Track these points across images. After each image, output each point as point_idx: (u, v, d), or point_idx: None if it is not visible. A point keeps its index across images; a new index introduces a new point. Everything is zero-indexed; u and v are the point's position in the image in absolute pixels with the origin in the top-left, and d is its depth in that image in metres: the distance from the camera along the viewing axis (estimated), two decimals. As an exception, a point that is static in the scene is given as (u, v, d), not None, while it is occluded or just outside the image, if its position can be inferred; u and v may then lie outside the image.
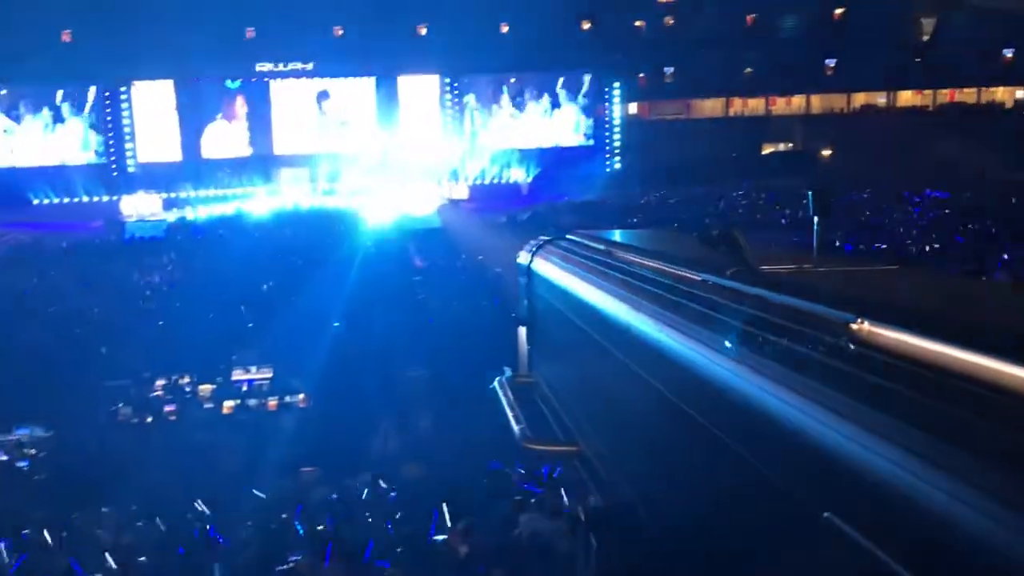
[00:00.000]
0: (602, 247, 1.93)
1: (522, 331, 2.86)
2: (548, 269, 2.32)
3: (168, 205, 47.14)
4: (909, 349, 0.66)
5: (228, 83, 52.95)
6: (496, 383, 2.91)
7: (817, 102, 60.77)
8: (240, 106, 54.08)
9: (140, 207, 45.30)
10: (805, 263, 1.53)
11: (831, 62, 60.46)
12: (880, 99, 60.54)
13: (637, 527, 1.35)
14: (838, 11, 61.98)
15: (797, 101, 60.87)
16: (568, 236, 2.49)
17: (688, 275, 1.36)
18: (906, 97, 60.51)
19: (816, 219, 1.87)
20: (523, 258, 2.67)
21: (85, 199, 49.19)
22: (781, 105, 61.02)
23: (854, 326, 0.79)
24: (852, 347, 0.77)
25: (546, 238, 2.69)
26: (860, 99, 60.25)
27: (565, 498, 11.16)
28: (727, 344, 1.01)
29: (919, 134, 52.15)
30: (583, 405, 2.02)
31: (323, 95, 55.09)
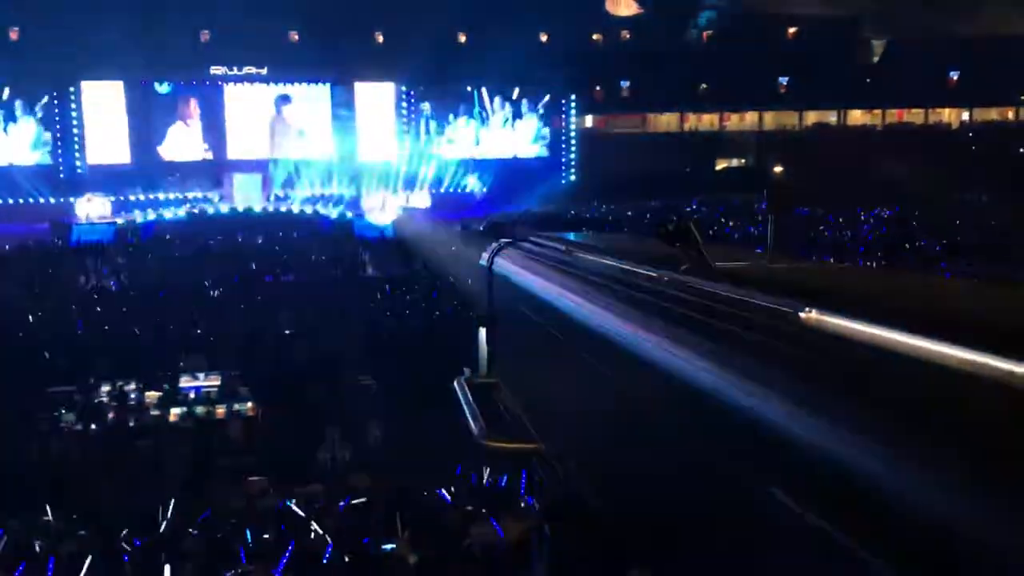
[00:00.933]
0: (562, 247, 1.92)
1: (482, 332, 2.85)
2: (509, 269, 2.31)
3: (117, 208, 46.29)
4: (850, 333, 0.66)
5: (157, 86, 52.03)
6: (455, 383, 2.89)
7: (770, 119, 61.72)
8: (193, 109, 53.36)
9: (91, 210, 44.36)
10: (759, 260, 1.54)
11: (784, 80, 61.46)
12: (831, 118, 61.69)
13: (592, 516, 1.35)
14: (791, 30, 63.10)
15: (750, 118, 61.77)
16: (530, 238, 2.48)
17: (646, 272, 1.36)
18: (856, 116, 61.72)
19: (772, 216, 1.87)
20: (484, 259, 2.66)
21: (31, 201, 48.15)
22: (735, 121, 61.90)
23: (802, 315, 0.79)
24: (799, 333, 0.77)
25: (507, 240, 2.66)
26: (812, 117, 61.32)
27: (526, 502, 11.14)
28: (681, 336, 1.02)
29: (868, 152, 53.20)
30: (543, 404, 2.02)
31: (278, 100, 54.60)
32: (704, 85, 60.56)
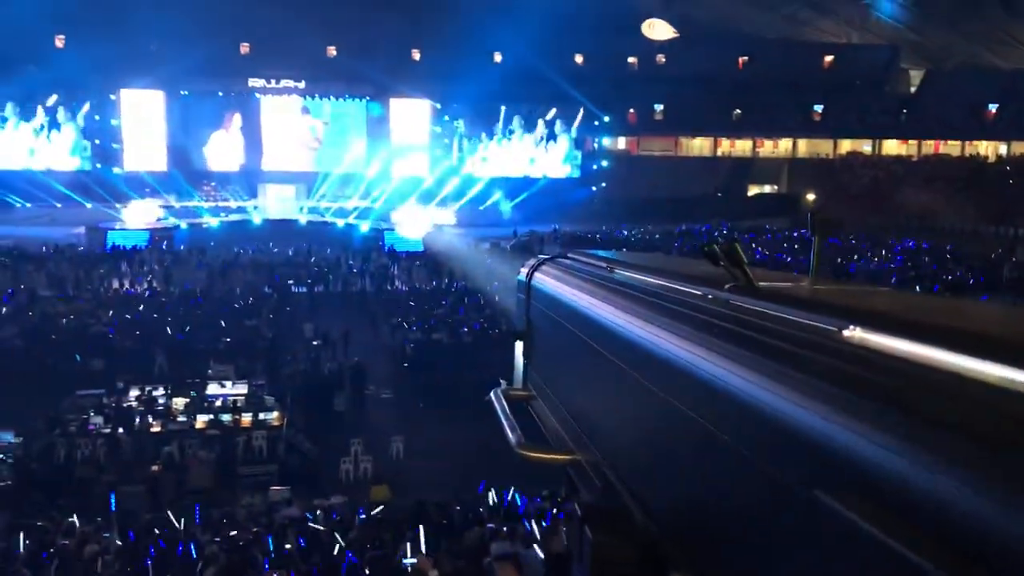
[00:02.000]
0: (603, 264, 1.98)
1: (519, 345, 2.90)
2: (548, 284, 2.37)
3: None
4: (897, 351, 0.69)
5: (195, 96, 52.84)
6: (492, 394, 2.93)
7: (804, 147, 61.40)
8: (232, 120, 54.01)
9: (140, 214, 44.87)
10: (802, 281, 1.57)
11: (818, 108, 61.21)
12: (866, 147, 61.23)
13: (631, 521, 1.38)
14: (828, 59, 62.88)
15: (784, 144, 61.49)
16: (569, 255, 2.55)
17: (688, 288, 1.40)
18: (891, 146, 61.24)
19: (816, 240, 1.92)
20: (522, 274, 2.73)
21: (69, 205, 48.79)
22: (768, 147, 61.61)
23: (846, 332, 0.82)
24: (845, 351, 0.80)
25: (546, 256, 2.74)
26: (846, 146, 60.88)
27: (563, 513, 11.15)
28: (724, 351, 1.05)
29: (903, 183, 52.79)
30: (580, 416, 2.06)
31: (314, 113, 55.13)
32: (738, 111, 60.45)
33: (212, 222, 44.69)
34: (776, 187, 61.01)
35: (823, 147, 61.36)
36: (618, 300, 1.85)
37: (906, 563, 0.67)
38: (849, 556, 0.82)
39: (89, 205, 47.93)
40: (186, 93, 52.99)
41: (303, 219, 46.37)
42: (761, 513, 0.97)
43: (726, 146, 61.61)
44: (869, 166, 57.40)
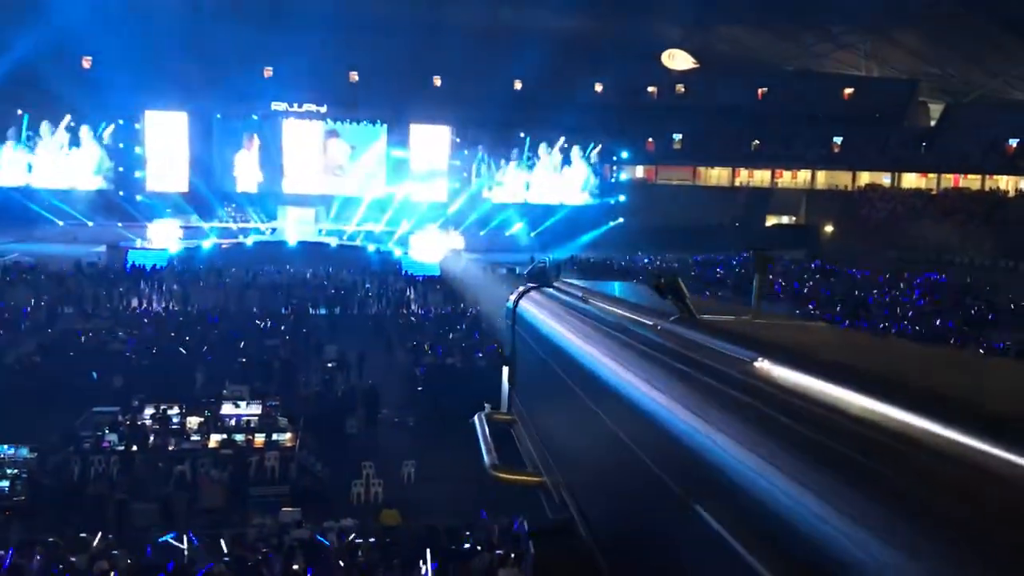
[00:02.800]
0: (578, 294, 2.04)
1: (505, 371, 2.97)
2: (530, 311, 2.44)
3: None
4: (797, 387, 0.73)
5: (218, 118, 53.49)
6: (476, 418, 2.99)
7: (822, 178, 61.37)
8: (253, 141, 54.57)
9: (161, 234, 45.32)
10: (744, 315, 1.63)
11: (838, 140, 61.24)
12: (885, 179, 61.09)
13: (573, 536, 1.43)
14: (847, 91, 62.97)
15: (802, 175, 61.46)
16: (554, 284, 2.61)
17: (642, 319, 1.46)
18: (911, 179, 61.07)
19: (757, 277, 1.98)
20: (510, 301, 2.79)
21: (90, 224, 49.34)
22: (787, 178, 61.61)
23: (756, 364, 0.87)
24: (752, 383, 0.84)
25: (533, 284, 2.80)
26: (865, 178, 60.80)
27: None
28: (654, 379, 1.10)
29: (921, 216, 52.64)
30: (548, 440, 2.13)
31: (335, 138, 55.61)
32: (757, 141, 60.58)
33: (233, 242, 45.02)
34: (794, 218, 60.96)
35: (842, 179, 61.32)
36: (582, 329, 1.93)
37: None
38: (726, 564, 0.88)
39: (120, 224, 48.40)
40: (211, 116, 53.64)
41: (322, 241, 46.63)
42: (675, 529, 1.04)
43: (744, 176, 61.69)
44: (888, 199, 57.27)
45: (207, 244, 44.31)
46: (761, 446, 0.84)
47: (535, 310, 2.59)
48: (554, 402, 2.15)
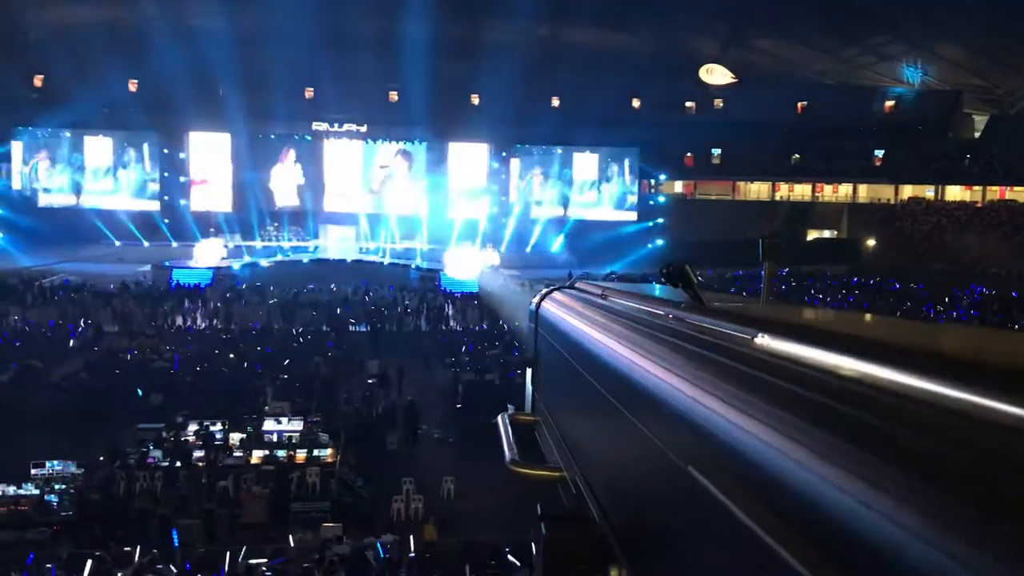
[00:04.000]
0: (598, 292, 2.07)
1: (528, 372, 3.01)
2: (551, 311, 2.47)
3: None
4: (803, 358, 0.75)
5: (260, 138, 54.31)
6: (499, 418, 3.04)
7: (864, 191, 60.64)
8: (294, 162, 55.32)
9: (207, 253, 46.05)
10: (752, 303, 1.65)
11: (879, 153, 60.54)
12: (928, 192, 60.22)
13: (585, 522, 1.45)
14: (889, 103, 62.31)
15: (844, 189, 60.78)
16: (577, 284, 2.65)
17: (656, 309, 1.48)
18: (954, 192, 60.15)
19: (766, 264, 2.00)
20: (532, 303, 2.84)
21: (136, 244, 50.23)
22: (827, 192, 60.99)
23: (762, 339, 0.88)
24: (755, 357, 0.86)
25: (554, 285, 2.85)
26: (908, 191, 59.98)
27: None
28: (669, 365, 1.12)
29: (966, 229, 51.81)
30: (570, 436, 2.15)
31: (375, 156, 56.12)
32: (797, 155, 60.09)
33: (276, 260, 45.55)
34: (836, 232, 60.27)
35: (884, 192, 60.53)
36: (600, 324, 1.97)
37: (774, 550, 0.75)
38: (734, 543, 0.90)
39: (175, 244, 49.35)
40: (253, 136, 54.50)
41: (363, 259, 47.03)
42: (688, 508, 1.06)
43: (784, 190, 61.15)
44: (931, 212, 56.42)
45: (250, 263, 44.85)
46: (774, 422, 0.86)
47: (556, 309, 2.64)
48: (574, 396, 2.19)
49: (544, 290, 2.93)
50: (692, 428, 1.04)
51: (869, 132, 59.60)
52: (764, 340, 1.02)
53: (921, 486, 0.60)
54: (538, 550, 1.46)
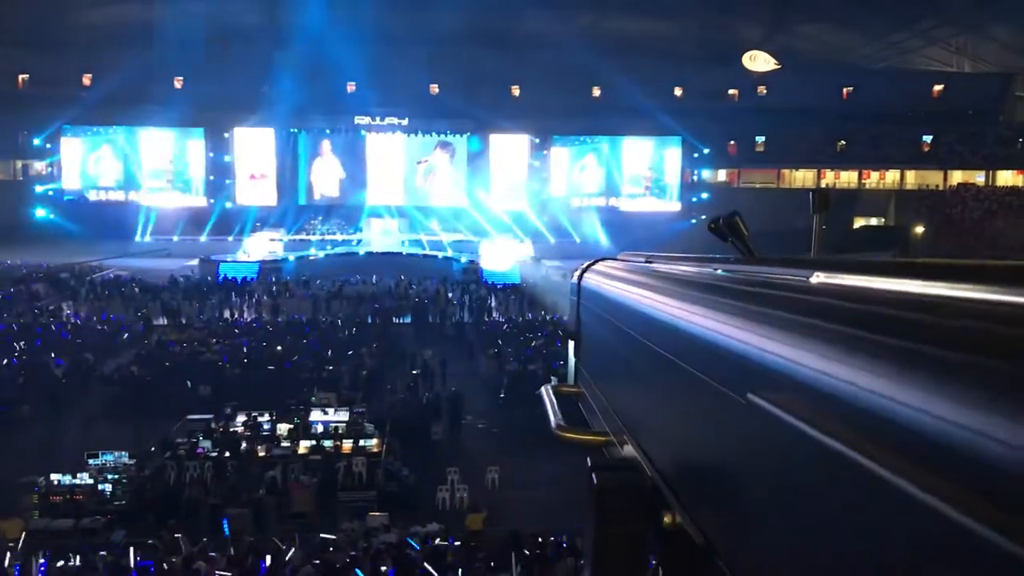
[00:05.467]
0: (643, 259, 2.08)
1: (571, 345, 3.01)
2: (594, 282, 2.48)
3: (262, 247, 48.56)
4: (858, 289, 0.75)
5: (304, 132, 54.87)
6: (542, 389, 3.05)
7: (911, 178, 59.62)
8: (332, 154, 55.86)
9: (256, 247, 46.74)
10: (803, 255, 1.65)
11: (927, 138, 59.48)
12: (978, 178, 59.06)
13: (635, 471, 1.45)
14: (937, 87, 61.14)
15: (891, 176, 59.82)
16: (619, 256, 2.68)
17: (705, 267, 1.49)
18: (1005, 177, 58.93)
19: (815, 217, 1.99)
20: (574, 277, 2.85)
21: (184, 239, 51.12)
22: (874, 179, 60.04)
23: (812, 279, 0.89)
24: (814, 288, 0.86)
25: (597, 258, 2.88)
26: (957, 177, 58.88)
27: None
28: (720, 310, 1.13)
29: (1019, 215, 50.74)
30: (616, 401, 2.14)
31: (417, 149, 56.40)
32: (843, 142, 59.23)
33: (320, 254, 45.97)
34: (883, 219, 59.35)
35: (932, 178, 59.45)
36: (645, 284, 1.97)
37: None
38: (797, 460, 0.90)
39: (222, 238, 50.07)
40: (295, 130, 55.10)
41: (405, 251, 47.27)
42: (740, 440, 1.07)
43: (830, 178, 60.26)
44: (982, 198, 55.32)
45: (295, 256, 45.31)
46: (826, 349, 0.87)
47: (599, 279, 2.64)
48: (619, 361, 2.20)
49: (585, 263, 2.94)
50: (751, 363, 1.05)
51: (917, 117, 58.51)
52: (820, 277, 1.04)
53: (977, 382, 0.60)
54: (589, 502, 1.47)
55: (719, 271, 1.54)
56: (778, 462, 0.94)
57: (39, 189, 54.08)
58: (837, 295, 0.96)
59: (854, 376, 0.74)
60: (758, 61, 60.94)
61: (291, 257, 45.15)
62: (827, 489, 0.79)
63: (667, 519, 1.38)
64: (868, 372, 0.72)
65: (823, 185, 59.95)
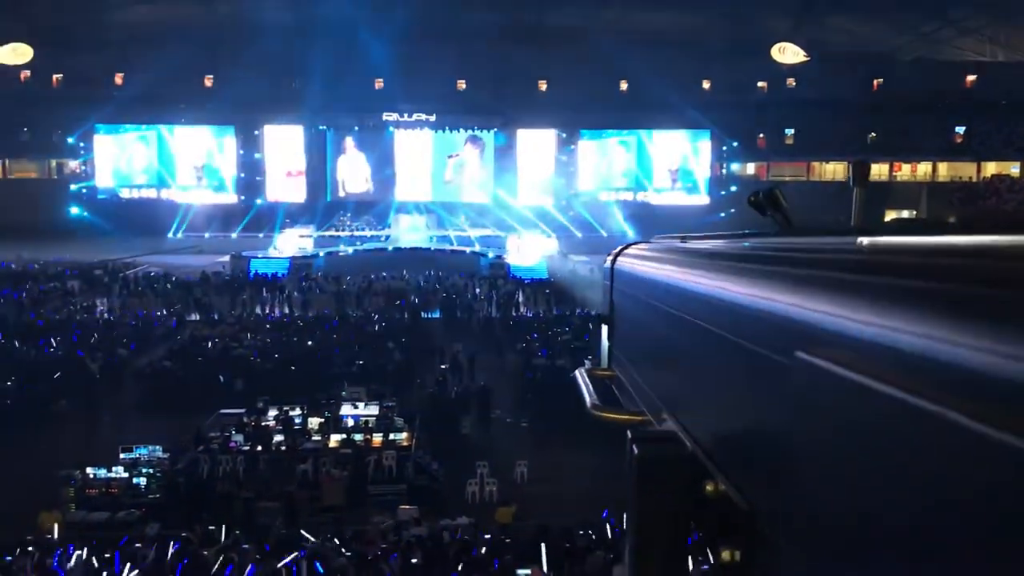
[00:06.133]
0: (678, 240, 2.10)
1: (604, 329, 3.03)
2: (628, 265, 2.50)
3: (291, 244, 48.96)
4: (907, 244, 0.76)
5: (332, 130, 55.17)
6: (576, 372, 3.07)
7: (944, 170, 58.89)
8: (365, 152, 56.15)
9: (288, 243, 47.19)
10: (844, 228, 1.64)
11: (960, 129, 58.70)
12: (1013, 169, 58.18)
13: (677, 442, 1.46)
14: (970, 78, 60.29)
15: (923, 168, 59.12)
16: (652, 239, 2.70)
17: (744, 241, 1.51)
18: (1041, 168, 58.05)
19: (856, 190, 2.00)
20: (607, 262, 2.87)
21: (216, 236, 51.61)
22: (906, 172, 59.34)
23: (859, 240, 0.90)
24: (861, 249, 0.87)
25: (629, 242, 2.89)
26: (991, 168, 58.07)
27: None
28: (763, 280, 1.14)
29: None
30: (652, 380, 2.14)
31: (445, 145, 56.57)
32: (873, 134, 58.60)
33: (349, 250, 46.22)
34: (915, 212, 58.65)
35: (966, 170, 58.68)
36: (682, 262, 1.99)
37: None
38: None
39: (261, 235, 50.64)
40: (324, 128, 55.47)
41: (442, 247, 47.50)
42: (797, 402, 1.05)
43: (861, 170, 59.55)
44: (1016, 189, 54.53)
45: (325, 252, 45.60)
46: (880, 303, 0.87)
47: (633, 262, 2.67)
48: (655, 340, 2.22)
49: (618, 248, 2.97)
50: (801, 323, 1.06)
51: (949, 108, 57.73)
52: (866, 239, 1.05)
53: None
54: (630, 473, 1.50)
55: (761, 242, 1.55)
56: (831, 419, 0.93)
57: (73, 187, 54.88)
58: (887, 251, 0.97)
59: (914, 325, 0.74)
60: (787, 53, 60.41)
61: (321, 253, 45.44)
62: (888, 442, 0.77)
63: (709, 487, 1.40)
64: (928, 320, 0.72)
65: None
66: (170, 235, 52.49)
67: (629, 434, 1.57)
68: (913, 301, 0.78)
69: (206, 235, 52.05)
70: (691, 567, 1.52)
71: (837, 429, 0.91)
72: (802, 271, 1.14)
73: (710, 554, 1.32)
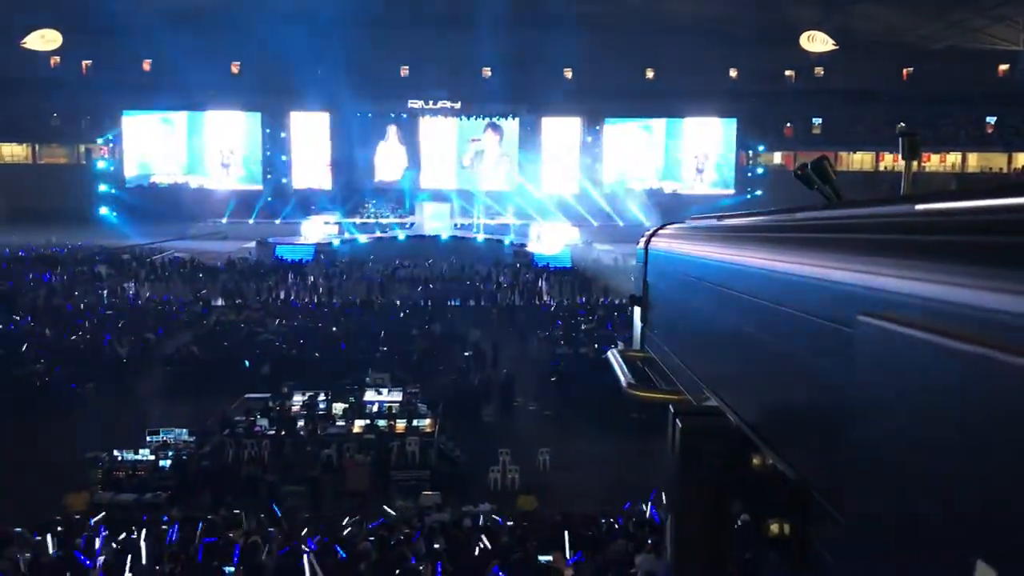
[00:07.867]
0: (714, 217, 2.09)
1: (637, 311, 3.00)
2: (662, 244, 2.49)
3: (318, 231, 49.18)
4: (966, 205, 0.74)
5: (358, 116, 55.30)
6: (609, 353, 3.06)
7: (974, 160, 58.22)
8: (399, 141, 56.31)
9: (314, 230, 47.44)
10: (896, 198, 1.59)
11: (991, 119, 57.97)
12: (1044, 159, 57.46)
13: (719, 417, 1.44)
14: (1002, 67, 59.50)
15: (952, 159, 58.47)
16: (686, 220, 2.69)
17: (789, 215, 1.48)
18: (1074, 159, 57.25)
19: (905, 164, 1.96)
20: (640, 244, 2.86)
21: (242, 221, 51.95)
22: (935, 162, 58.71)
23: (917, 205, 0.88)
24: (912, 217, 0.85)
25: (663, 223, 2.89)
26: (1022, 159, 57.33)
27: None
28: (809, 259, 1.11)
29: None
30: (690, 359, 2.12)
31: (469, 133, 56.57)
32: (902, 124, 57.83)
33: (373, 237, 46.34)
34: (944, 203, 57.98)
35: (996, 161, 57.97)
36: (721, 239, 1.95)
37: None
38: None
39: (278, 221, 51.05)
40: (351, 115, 55.60)
41: (457, 235, 47.49)
42: (856, 368, 1.01)
43: (888, 160, 59.07)
44: (1048, 180, 53.75)
45: (350, 239, 45.76)
46: (943, 262, 0.85)
47: (668, 242, 2.63)
48: (693, 317, 2.18)
49: (652, 229, 2.94)
50: (861, 286, 1.01)
51: (980, 98, 57.02)
52: (923, 204, 1.01)
53: None
54: (673, 448, 1.47)
55: (812, 214, 1.52)
56: (898, 383, 0.88)
57: (101, 171, 55.36)
58: (946, 213, 0.94)
59: (989, 280, 0.70)
60: (816, 41, 59.84)
61: (346, 239, 45.60)
62: (967, 404, 0.70)
63: (756, 461, 1.37)
64: (994, 273, 0.69)
65: (882, 168, 58.87)
66: (196, 220, 52.83)
67: (671, 408, 1.53)
68: (983, 256, 0.75)
69: (222, 220, 52.39)
70: (737, 543, 1.49)
71: (906, 394, 0.86)
72: (864, 235, 1.11)
73: (758, 530, 1.29)
